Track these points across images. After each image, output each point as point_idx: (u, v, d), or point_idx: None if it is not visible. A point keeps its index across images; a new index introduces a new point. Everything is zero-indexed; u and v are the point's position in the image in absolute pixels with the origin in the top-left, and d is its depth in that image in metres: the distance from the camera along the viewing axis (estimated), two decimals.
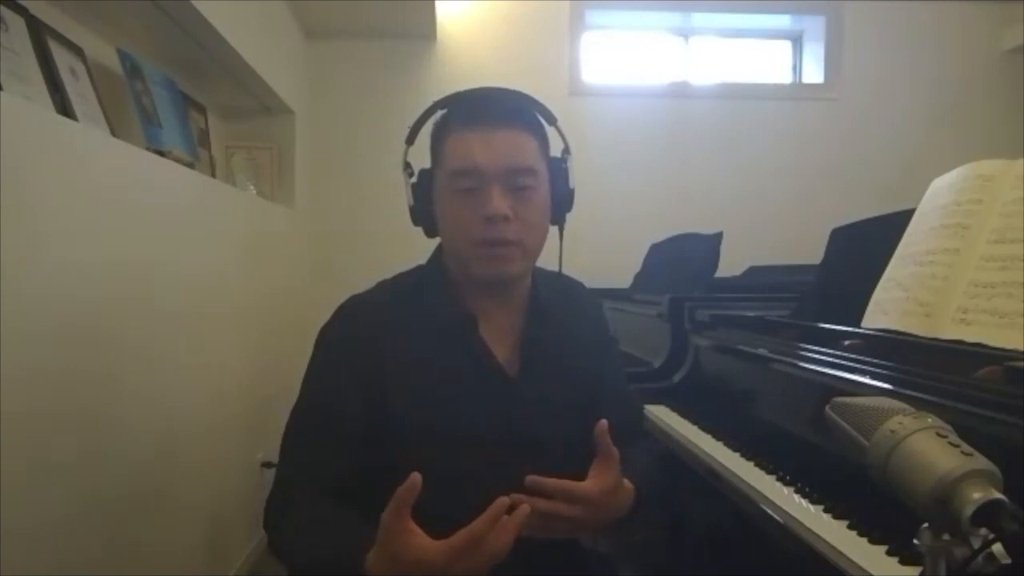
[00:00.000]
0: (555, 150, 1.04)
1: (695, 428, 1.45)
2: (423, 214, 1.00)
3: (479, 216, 0.92)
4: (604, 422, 0.88)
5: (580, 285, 1.16)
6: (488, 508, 0.75)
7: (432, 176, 0.99)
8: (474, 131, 0.94)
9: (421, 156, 1.02)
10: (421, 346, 0.97)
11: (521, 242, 0.94)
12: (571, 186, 1.02)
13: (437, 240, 1.04)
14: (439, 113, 1.00)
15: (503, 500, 0.75)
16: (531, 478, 0.84)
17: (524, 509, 0.76)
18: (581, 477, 0.91)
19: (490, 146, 0.93)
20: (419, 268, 1.07)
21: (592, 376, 1.07)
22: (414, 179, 1.01)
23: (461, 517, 0.76)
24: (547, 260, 1.06)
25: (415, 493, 0.74)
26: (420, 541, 0.75)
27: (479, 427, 0.93)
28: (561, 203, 1.01)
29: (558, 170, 1.01)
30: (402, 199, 1.04)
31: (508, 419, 0.94)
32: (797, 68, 3.59)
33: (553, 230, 1.03)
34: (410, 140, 1.03)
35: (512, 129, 0.95)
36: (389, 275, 1.07)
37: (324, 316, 1.02)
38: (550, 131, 1.02)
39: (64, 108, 1.42)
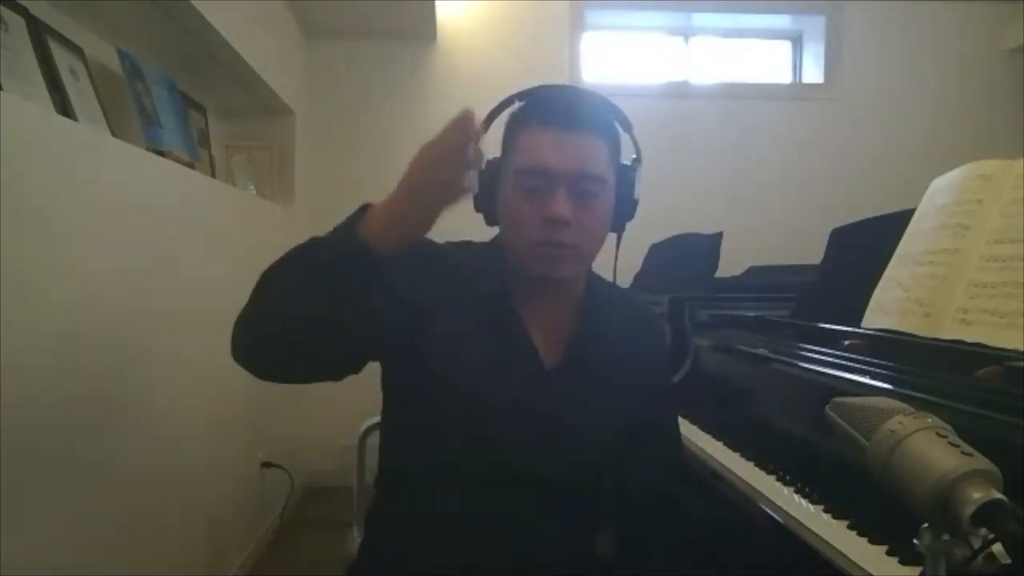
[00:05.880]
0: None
1: (695, 428, 1.45)
2: (486, 202, 0.98)
3: (539, 216, 0.91)
4: None
5: (648, 309, 1.13)
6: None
7: (500, 167, 0.97)
8: (548, 130, 0.92)
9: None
10: (463, 309, 0.95)
11: (577, 247, 0.93)
12: (636, 196, 1.00)
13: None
14: (517, 104, 0.98)
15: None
16: None
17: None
18: (591, 480, 0.94)
19: (561, 148, 0.91)
20: (484, 243, 1.05)
21: (636, 399, 1.03)
22: (482, 166, 0.97)
23: (478, 476, 0.83)
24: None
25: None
26: None
27: (505, 402, 0.92)
28: (624, 210, 0.99)
29: (626, 177, 0.99)
30: None
31: (536, 405, 0.93)
32: (797, 68, 3.59)
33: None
34: (484, 128, 1.00)
35: (586, 134, 0.93)
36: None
37: None
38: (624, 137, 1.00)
39: (64, 108, 1.42)
